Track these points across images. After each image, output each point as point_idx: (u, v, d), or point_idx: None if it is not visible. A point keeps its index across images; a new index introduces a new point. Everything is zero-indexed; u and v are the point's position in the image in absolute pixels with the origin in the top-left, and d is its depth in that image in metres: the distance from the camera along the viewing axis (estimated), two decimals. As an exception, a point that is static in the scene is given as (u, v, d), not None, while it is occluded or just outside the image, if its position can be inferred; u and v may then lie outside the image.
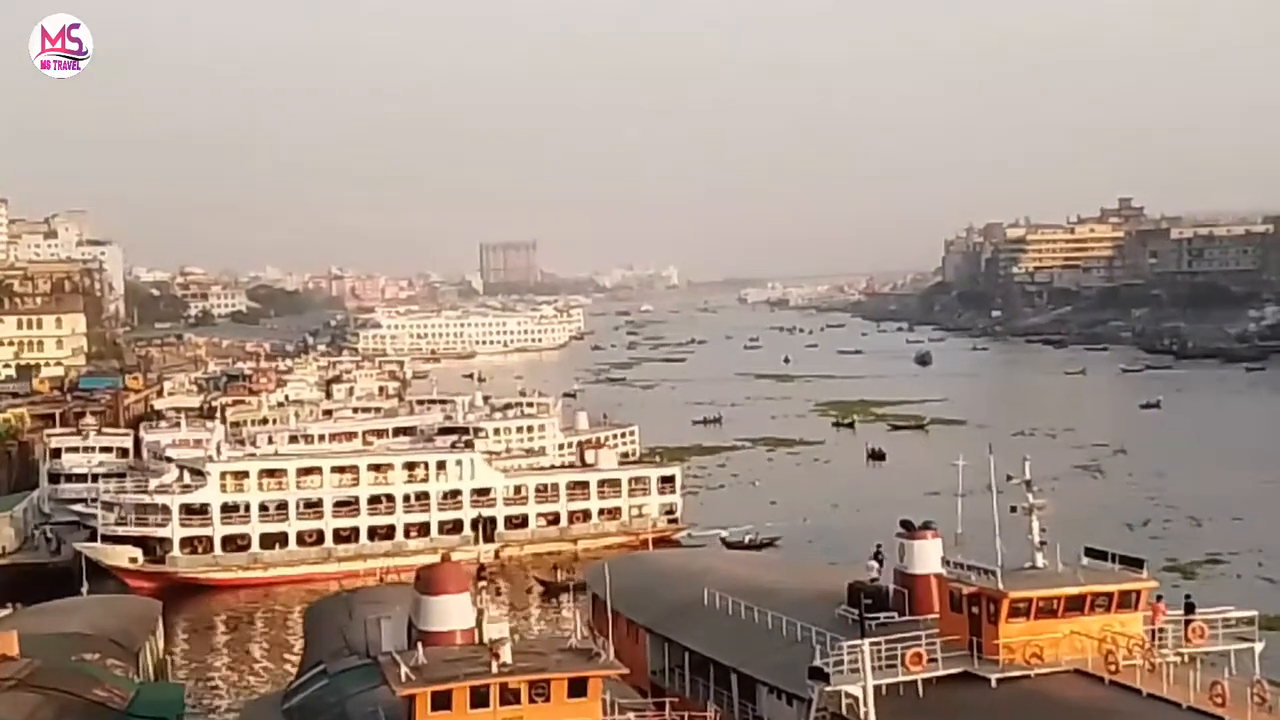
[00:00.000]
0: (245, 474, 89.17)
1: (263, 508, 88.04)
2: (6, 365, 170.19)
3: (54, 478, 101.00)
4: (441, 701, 31.53)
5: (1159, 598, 40.01)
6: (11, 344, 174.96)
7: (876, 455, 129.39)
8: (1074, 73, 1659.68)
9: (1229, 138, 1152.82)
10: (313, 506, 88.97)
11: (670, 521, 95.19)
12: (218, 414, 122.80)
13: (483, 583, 36.44)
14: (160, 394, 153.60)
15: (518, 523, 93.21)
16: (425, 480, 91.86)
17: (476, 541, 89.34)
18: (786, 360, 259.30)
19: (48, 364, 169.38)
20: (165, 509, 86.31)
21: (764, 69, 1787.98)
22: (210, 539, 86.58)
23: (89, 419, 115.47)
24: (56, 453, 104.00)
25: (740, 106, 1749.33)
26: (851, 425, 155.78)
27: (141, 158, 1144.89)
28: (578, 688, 32.26)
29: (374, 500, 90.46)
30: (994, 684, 36.37)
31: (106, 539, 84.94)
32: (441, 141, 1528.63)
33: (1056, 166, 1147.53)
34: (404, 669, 32.33)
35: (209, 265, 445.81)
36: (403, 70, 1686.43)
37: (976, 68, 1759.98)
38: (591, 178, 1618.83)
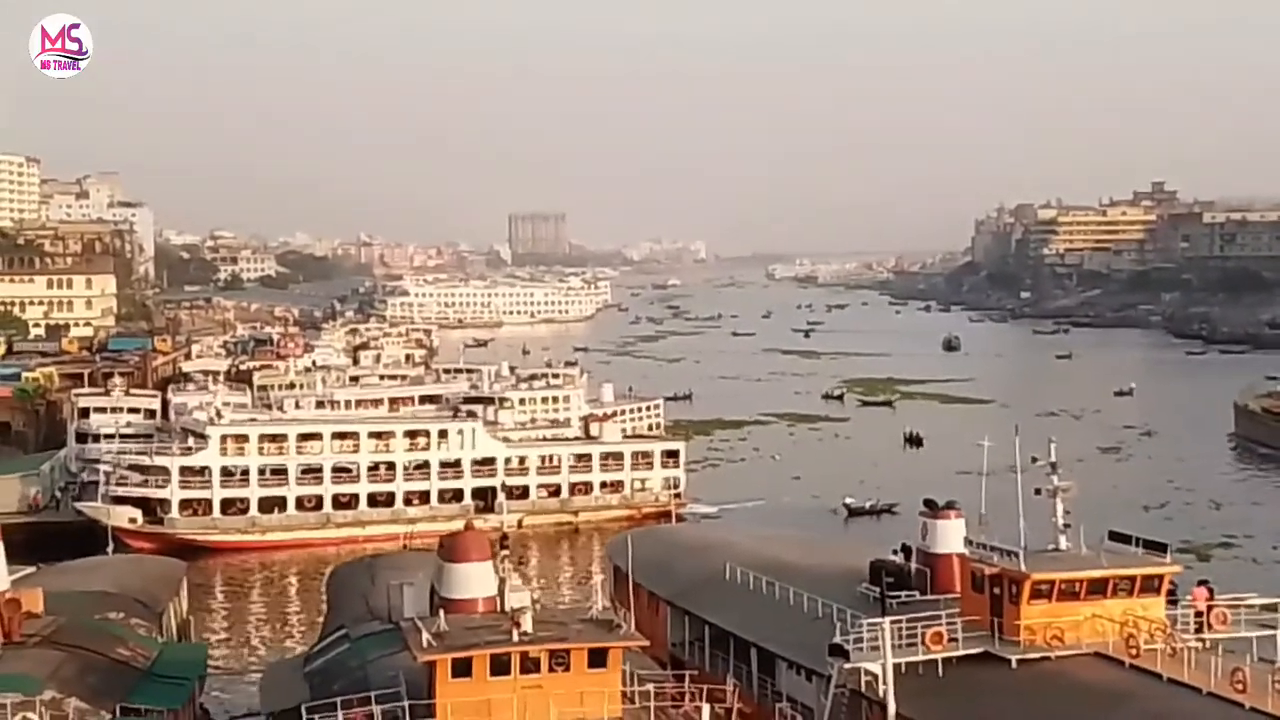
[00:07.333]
0: (245, 438, 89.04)
1: (263, 472, 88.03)
2: (36, 325, 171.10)
3: (81, 437, 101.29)
4: (462, 668, 31.59)
5: (1202, 582, 39.91)
6: (41, 303, 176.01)
7: (914, 440, 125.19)
8: (1108, 53, 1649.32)
9: (1264, 122, 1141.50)
10: (312, 472, 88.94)
11: (674, 496, 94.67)
12: (222, 378, 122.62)
13: (505, 552, 36.37)
14: (188, 356, 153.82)
15: (519, 493, 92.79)
16: (426, 449, 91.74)
17: (482, 511, 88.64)
18: (807, 335, 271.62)
19: (77, 324, 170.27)
20: (165, 470, 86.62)
21: (795, 43, 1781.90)
22: (209, 501, 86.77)
23: (117, 380, 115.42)
24: (84, 413, 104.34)
25: (771, 81, 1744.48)
26: (841, 398, 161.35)
27: (174, 121, 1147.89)
28: (598, 658, 32.29)
29: (374, 468, 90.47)
30: (1014, 665, 36.41)
31: (110, 499, 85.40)
32: (472, 110, 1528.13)
33: (1089, 148, 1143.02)
34: (425, 635, 32.43)
35: (239, 230, 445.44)
36: (434, 38, 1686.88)
37: (1009, 48, 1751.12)
38: (621, 150, 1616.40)
